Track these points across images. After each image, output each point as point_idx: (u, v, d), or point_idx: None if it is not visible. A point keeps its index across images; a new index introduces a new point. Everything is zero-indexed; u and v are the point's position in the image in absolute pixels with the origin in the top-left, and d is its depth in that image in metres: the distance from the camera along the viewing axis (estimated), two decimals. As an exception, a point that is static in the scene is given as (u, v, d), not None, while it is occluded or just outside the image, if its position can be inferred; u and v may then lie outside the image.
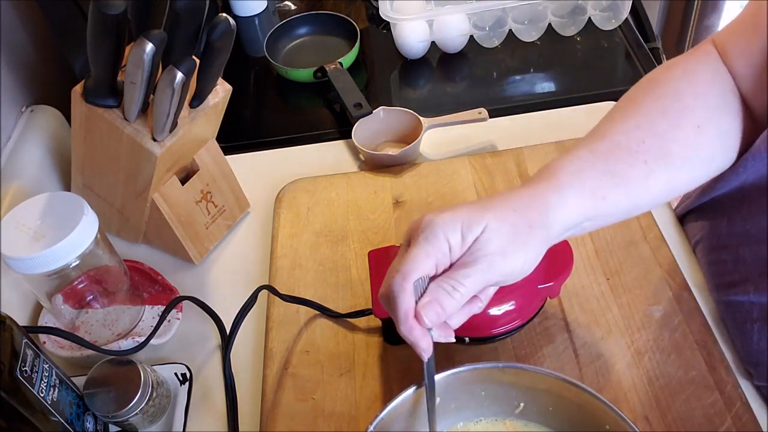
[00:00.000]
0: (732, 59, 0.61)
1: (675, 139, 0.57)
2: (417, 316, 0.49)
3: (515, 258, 0.50)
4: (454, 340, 0.52)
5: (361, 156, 0.93)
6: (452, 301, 0.49)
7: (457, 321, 0.52)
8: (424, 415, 0.54)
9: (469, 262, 0.49)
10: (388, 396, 0.66)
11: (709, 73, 0.61)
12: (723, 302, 0.69)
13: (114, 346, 0.71)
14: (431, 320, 0.49)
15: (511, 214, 0.51)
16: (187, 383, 0.69)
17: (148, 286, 0.78)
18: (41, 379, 0.57)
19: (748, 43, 0.59)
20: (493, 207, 0.51)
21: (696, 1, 1.75)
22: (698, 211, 0.76)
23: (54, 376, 0.59)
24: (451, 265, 0.50)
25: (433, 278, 0.50)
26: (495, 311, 0.59)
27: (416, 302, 0.49)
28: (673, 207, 0.83)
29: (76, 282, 0.68)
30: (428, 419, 0.53)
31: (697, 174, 0.60)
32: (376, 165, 0.90)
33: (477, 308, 0.53)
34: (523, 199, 0.52)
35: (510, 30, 1.12)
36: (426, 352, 0.50)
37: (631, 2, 1.12)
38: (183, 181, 0.78)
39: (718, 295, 0.70)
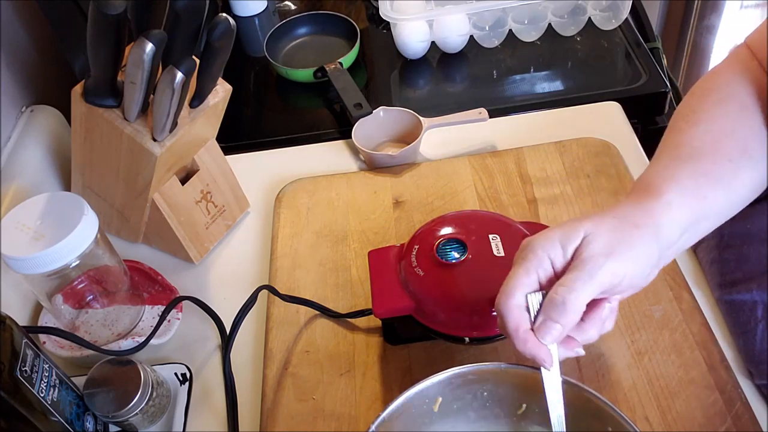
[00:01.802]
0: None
1: (745, 136, 0.57)
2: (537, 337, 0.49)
3: (624, 258, 0.48)
4: (583, 353, 0.50)
5: (361, 156, 0.93)
6: (564, 312, 0.47)
7: (587, 336, 0.50)
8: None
9: (574, 267, 0.48)
10: (388, 396, 0.66)
11: (752, 73, 0.61)
12: (726, 301, 0.69)
13: (114, 346, 0.71)
14: (549, 339, 0.48)
15: (610, 219, 0.50)
16: (187, 383, 0.69)
17: (148, 286, 0.78)
18: (41, 379, 0.57)
19: None
20: (591, 217, 0.50)
21: (696, 1, 1.75)
22: None
23: (54, 376, 0.59)
24: (558, 278, 0.49)
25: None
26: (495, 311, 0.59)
27: (534, 319, 0.49)
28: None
29: (76, 282, 0.68)
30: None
31: None
32: (376, 165, 0.90)
33: (608, 325, 0.51)
34: (624, 208, 0.52)
35: (510, 30, 1.12)
36: (546, 362, 0.48)
37: (631, 2, 1.12)
38: (183, 181, 0.78)
39: (721, 294, 0.70)
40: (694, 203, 0.53)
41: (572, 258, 0.49)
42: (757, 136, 0.58)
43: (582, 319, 0.50)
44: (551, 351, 0.49)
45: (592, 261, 0.47)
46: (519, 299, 0.49)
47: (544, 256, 0.49)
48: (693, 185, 0.54)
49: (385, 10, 1.08)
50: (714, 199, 0.55)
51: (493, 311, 0.53)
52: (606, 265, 0.47)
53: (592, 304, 0.50)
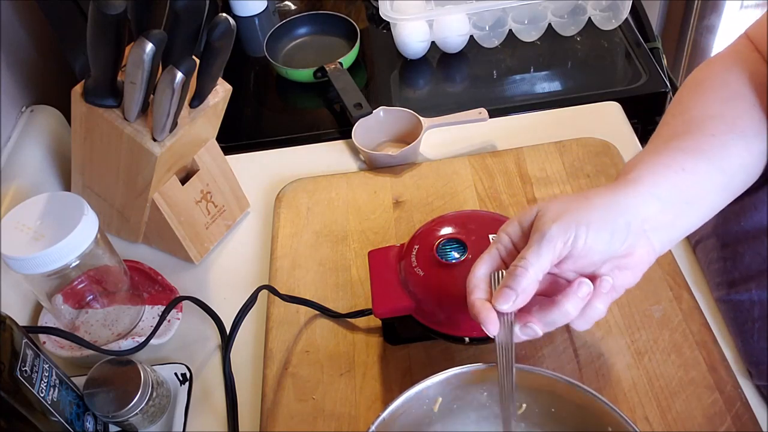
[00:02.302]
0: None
1: (734, 117, 0.57)
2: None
3: (569, 221, 0.50)
4: (539, 334, 0.51)
5: (361, 156, 0.93)
6: (516, 278, 0.50)
7: (564, 310, 0.50)
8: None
9: (529, 240, 0.52)
10: (388, 396, 0.66)
11: (751, 63, 0.61)
12: (724, 301, 0.69)
13: (114, 346, 0.71)
14: (505, 305, 0.50)
15: (564, 196, 0.54)
16: (187, 383, 0.69)
17: (148, 286, 0.78)
18: (41, 379, 0.57)
19: None
20: (547, 199, 0.54)
21: (696, 1, 1.75)
22: None
23: (54, 376, 0.59)
24: None
25: None
26: None
27: None
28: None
29: (76, 282, 0.68)
30: (501, 402, 0.52)
31: None
32: (376, 165, 0.90)
33: (598, 307, 0.51)
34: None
35: (510, 30, 1.12)
36: (488, 325, 0.50)
37: (631, 2, 1.12)
38: (183, 181, 0.78)
39: (719, 294, 0.70)
40: (671, 175, 0.54)
41: (531, 232, 0.52)
42: (751, 117, 0.58)
43: (556, 296, 0.51)
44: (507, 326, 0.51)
45: (540, 228, 0.51)
46: (478, 273, 0.53)
47: (502, 234, 0.54)
48: (668, 160, 0.55)
49: (385, 10, 1.08)
50: (698, 171, 0.54)
51: None
52: (552, 229, 0.50)
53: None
